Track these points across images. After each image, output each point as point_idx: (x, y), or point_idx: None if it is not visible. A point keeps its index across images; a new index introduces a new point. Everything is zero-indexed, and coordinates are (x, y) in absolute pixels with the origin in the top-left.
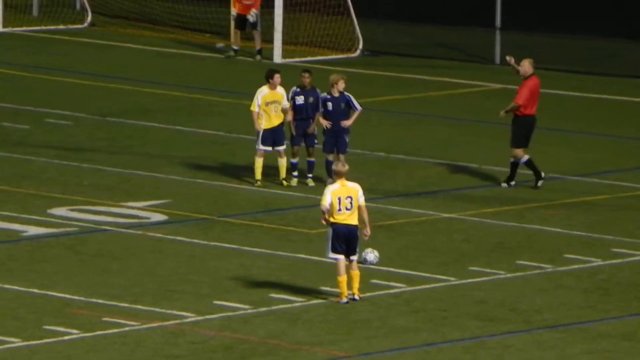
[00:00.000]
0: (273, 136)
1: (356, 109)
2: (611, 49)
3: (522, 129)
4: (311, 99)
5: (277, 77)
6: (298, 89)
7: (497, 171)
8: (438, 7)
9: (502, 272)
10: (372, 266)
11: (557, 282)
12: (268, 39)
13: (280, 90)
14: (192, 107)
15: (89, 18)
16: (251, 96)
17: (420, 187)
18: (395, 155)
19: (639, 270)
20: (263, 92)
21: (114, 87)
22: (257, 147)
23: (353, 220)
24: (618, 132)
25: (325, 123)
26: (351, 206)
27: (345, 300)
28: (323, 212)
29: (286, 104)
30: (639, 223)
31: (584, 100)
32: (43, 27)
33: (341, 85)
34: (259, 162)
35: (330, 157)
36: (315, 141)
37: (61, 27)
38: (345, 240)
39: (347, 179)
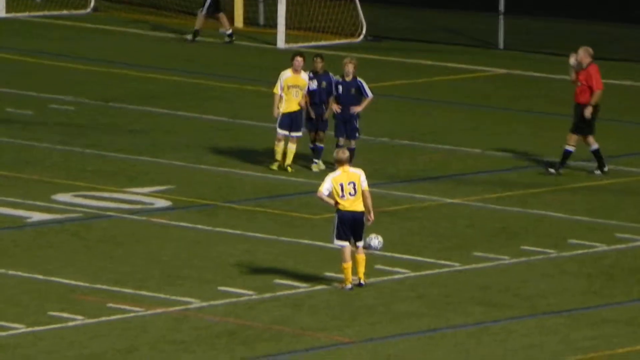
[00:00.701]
0: (290, 121)
1: (367, 95)
2: (615, 33)
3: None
4: (324, 84)
5: (296, 60)
6: (311, 74)
7: (499, 157)
8: None
9: (506, 257)
10: (376, 252)
11: (561, 267)
12: (271, 24)
13: (304, 75)
14: (195, 93)
15: (92, 3)
16: (255, 81)
17: (423, 173)
18: (399, 141)
19: None
20: (286, 75)
21: (117, 72)
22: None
23: (358, 206)
24: (621, 117)
25: (335, 107)
26: (355, 191)
27: (350, 286)
28: (321, 199)
29: (306, 91)
30: None
31: None
32: (46, 13)
33: (349, 67)
34: (278, 146)
35: (341, 142)
36: (327, 127)
37: (64, 12)
38: (351, 226)
39: (350, 165)
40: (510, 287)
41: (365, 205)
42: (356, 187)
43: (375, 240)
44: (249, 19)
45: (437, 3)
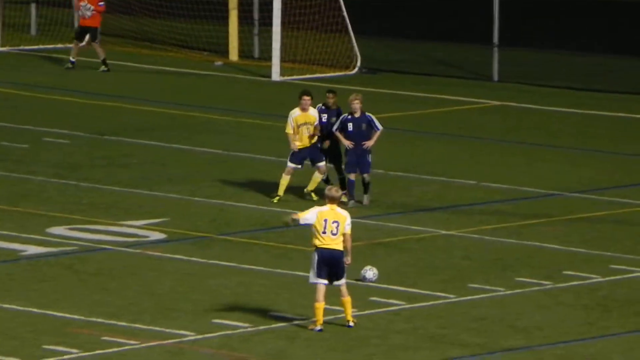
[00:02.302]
0: (307, 154)
1: (377, 129)
2: (609, 65)
3: None
4: (333, 119)
5: (304, 99)
6: (323, 107)
7: (494, 188)
8: (436, 24)
9: (501, 289)
10: (371, 283)
11: (557, 298)
12: (266, 56)
13: (312, 112)
14: (190, 125)
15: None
16: (248, 114)
17: (418, 204)
18: (394, 172)
19: (638, 287)
20: (295, 114)
21: (112, 105)
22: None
23: (338, 245)
24: (616, 149)
25: (347, 143)
26: (337, 231)
27: (319, 327)
28: (293, 219)
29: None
30: (637, 239)
31: (582, 116)
32: (41, 46)
33: (355, 104)
34: (285, 179)
35: (352, 177)
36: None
37: (59, 45)
38: (329, 264)
39: (339, 206)
40: (506, 318)
41: (345, 247)
42: (339, 227)
43: (370, 272)
44: (244, 52)
45: (431, 35)
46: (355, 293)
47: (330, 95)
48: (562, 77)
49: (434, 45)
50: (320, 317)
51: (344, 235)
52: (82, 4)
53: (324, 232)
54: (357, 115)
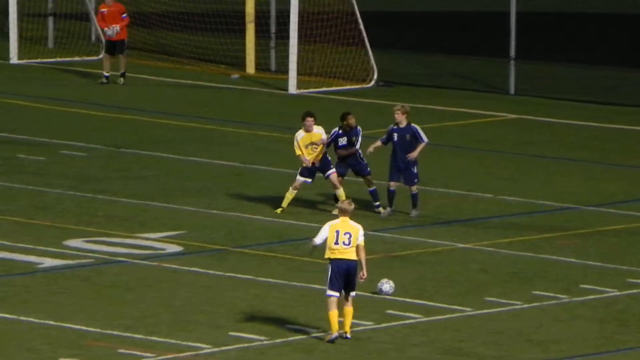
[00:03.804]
0: (317, 168)
1: (422, 140)
2: (625, 78)
3: None
4: (354, 138)
5: (307, 121)
6: (340, 131)
7: (511, 201)
8: (452, 38)
9: (518, 302)
10: (387, 296)
11: (573, 312)
12: (283, 69)
13: (317, 130)
14: (206, 138)
15: (104, 50)
16: (264, 127)
17: (435, 217)
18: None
19: None
20: (300, 135)
21: (128, 118)
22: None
23: (351, 255)
24: (633, 162)
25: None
26: (349, 242)
27: (335, 335)
28: (313, 245)
29: (325, 138)
30: None
31: (598, 130)
32: (58, 59)
33: (399, 116)
34: (291, 194)
35: (392, 186)
36: (368, 169)
37: (76, 58)
38: (344, 275)
39: (351, 218)
40: (523, 332)
41: (359, 259)
42: (351, 238)
43: (387, 285)
44: (261, 65)
45: (448, 49)
46: (372, 306)
47: (350, 116)
48: (578, 90)
49: (450, 58)
50: (335, 326)
51: (357, 247)
52: (107, 28)
53: (336, 243)
54: (402, 125)
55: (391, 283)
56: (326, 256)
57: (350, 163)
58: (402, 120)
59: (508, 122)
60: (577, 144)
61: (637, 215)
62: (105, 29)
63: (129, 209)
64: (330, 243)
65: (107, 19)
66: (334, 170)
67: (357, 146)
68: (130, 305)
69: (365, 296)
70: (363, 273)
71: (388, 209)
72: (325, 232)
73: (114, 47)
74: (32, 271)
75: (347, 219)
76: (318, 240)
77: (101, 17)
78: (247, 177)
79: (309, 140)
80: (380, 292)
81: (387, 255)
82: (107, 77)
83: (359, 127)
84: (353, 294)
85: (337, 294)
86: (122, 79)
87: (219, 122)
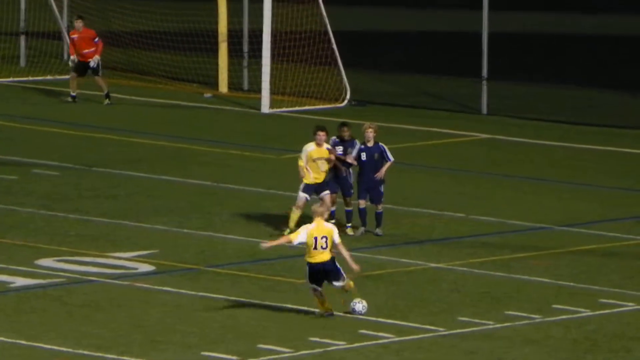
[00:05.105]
0: (321, 187)
1: (389, 159)
2: (596, 99)
3: None
4: (349, 150)
5: (319, 135)
6: (337, 140)
7: (483, 221)
8: (425, 57)
9: (490, 322)
10: (360, 316)
11: (546, 332)
12: (255, 89)
13: (327, 146)
14: (179, 157)
15: (72, 69)
16: (237, 146)
17: (407, 237)
18: (383, 205)
19: (626, 321)
20: (310, 148)
21: (100, 137)
22: (298, 195)
23: (326, 256)
24: (603, 182)
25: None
26: (326, 245)
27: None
28: (288, 242)
29: (331, 148)
30: (625, 273)
31: (570, 150)
32: (30, 78)
33: (369, 133)
34: (295, 213)
35: (362, 204)
36: (351, 190)
37: (48, 77)
38: (321, 274)
39: (324, 219)
40: (495, 352)
41: (344, 256)
42: (328, 241)
43: (360, 304)
44: (233, 84)
45: (421, 68)
46: (345, 326)
47: (345, 128)
48: (549, 110)
49: (423, 78)
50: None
51: (336, 246)
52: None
53: (315, 249)
54: (370, 144)
55: (364, 303)
56: (305, 259)
57: (340, 181)
58: (371, 139)
59: (480, 141)
60: (549, 164)
61: (609, 235)
62: (84, 59)
63: (100, 228)
64: (310, 249)
65: (78, 44)
66: (328, 192)
67: (352, 154)
68: (101, 324)
69: (338, 315)
70: (353, 266)
71: (362, 228)
72: (304, 237)
73: (84, 68)
74: (4, 290)
75: (320, 220)
76: (296, 241)
77: (72, 42)
78: (219, 196)
79: (319, 155)
80: (353, 311)
81: (360, 274)
82: (73, 97)
83: (356, 140)
84: (339, 283)
85: (317, 286)
86: (107, 100)
87: (191, 140)
